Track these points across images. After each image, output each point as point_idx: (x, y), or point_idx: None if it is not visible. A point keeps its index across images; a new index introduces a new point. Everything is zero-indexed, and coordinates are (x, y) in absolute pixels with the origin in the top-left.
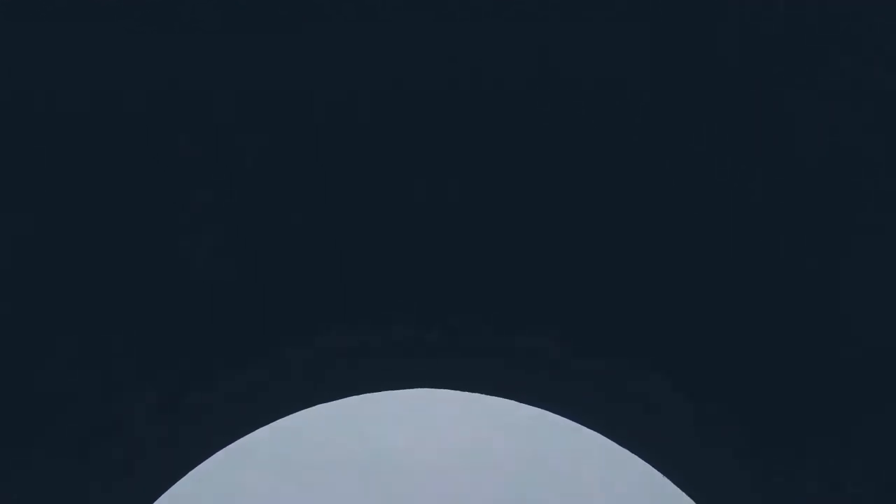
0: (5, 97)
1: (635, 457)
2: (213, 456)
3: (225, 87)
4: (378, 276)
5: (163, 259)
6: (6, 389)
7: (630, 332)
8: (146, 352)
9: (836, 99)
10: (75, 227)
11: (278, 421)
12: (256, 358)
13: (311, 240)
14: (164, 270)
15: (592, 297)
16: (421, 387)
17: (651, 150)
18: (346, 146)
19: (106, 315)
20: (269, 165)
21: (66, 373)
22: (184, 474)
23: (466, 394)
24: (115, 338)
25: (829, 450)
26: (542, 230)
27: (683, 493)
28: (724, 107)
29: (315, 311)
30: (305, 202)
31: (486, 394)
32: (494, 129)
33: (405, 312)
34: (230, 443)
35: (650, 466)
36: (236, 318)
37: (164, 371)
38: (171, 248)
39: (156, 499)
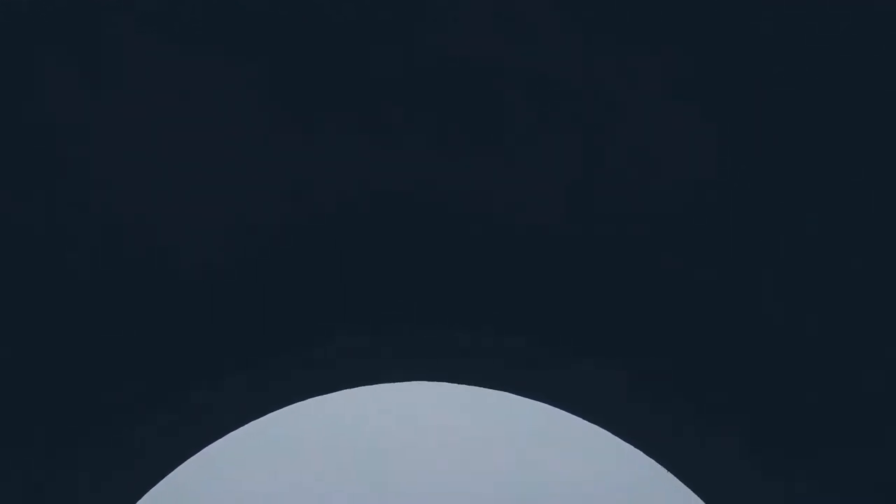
0: None
1: (637, 452)
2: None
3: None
4: (379, 277)
5: (165, 261)
6: (8, 386)
7: (631, 334)
8: (147, 350)
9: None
10: (80, 223)
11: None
12: (259, 358)
13: (313, 244)
14: (166, 273)
15: (592, 299)
16: (417, 380)
17: (649, 151)
18: (347, 146)
19: (106, 314)
20: (272, 168)
21: (69, 370)
22: (175, 467)
23: (462, 388)
24: (114, 337)
25: (830, 449)
26: (541, 236)
27: (683, 492)
28: (721, 110)
29: (316, 311)
30: (309, 210)
31: (485, 387)
32: (495, 132)
33: (406, 312)
34: (222, 437)
35: (651, 462)
36: (238, 320)
37: (166, 368)
38: (174, 250)
39: (146, 491)
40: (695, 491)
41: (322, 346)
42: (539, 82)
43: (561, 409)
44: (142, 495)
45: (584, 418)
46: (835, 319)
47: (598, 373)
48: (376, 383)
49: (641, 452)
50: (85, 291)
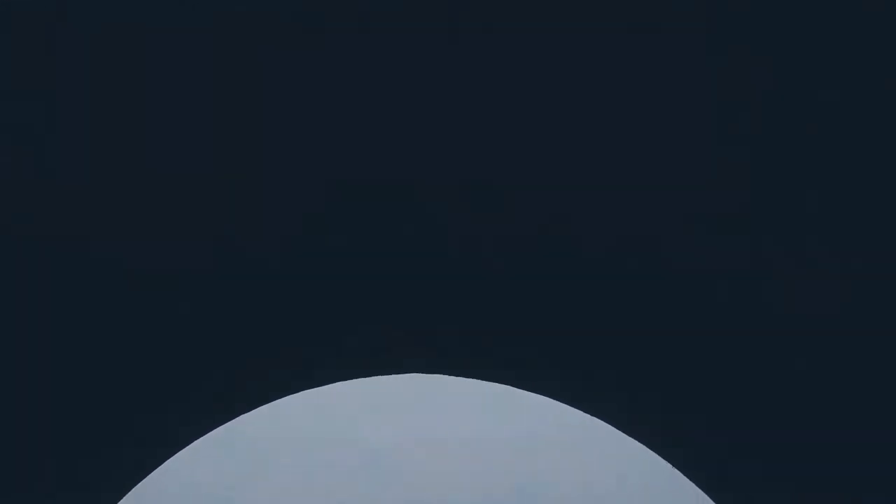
0: None
1: (642, 448)
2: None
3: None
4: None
5: (163, 263)
6: (22, 387)
7: (638, 338)
8: (164, 345)
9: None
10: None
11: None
12: (271, 356)
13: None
14: (167, 274)
15: (600, 309)
16: (418, 372)
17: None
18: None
19: (110, 320)
20: (279, 178)
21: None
22: (183, 446)
23: (465, 387)
24: (121, 342)
25: (837, 455)
26: (542, 249)
27: (688, 486)
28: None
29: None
30: (326, 230)
31: (488, 381)
32: (495, 144)
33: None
34: (227, 421)
35: (655, 457)
36: (242, 319)
37: (188, 359)
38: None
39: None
40: (704, 490)
41: (339, 340)
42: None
43: (569, 405)
44: (125, 493)
45: (597, 417)
46: (838, 323)
47: (604, 373)
48: (376, 375)
49: (650, 452)
50: (93, 294)
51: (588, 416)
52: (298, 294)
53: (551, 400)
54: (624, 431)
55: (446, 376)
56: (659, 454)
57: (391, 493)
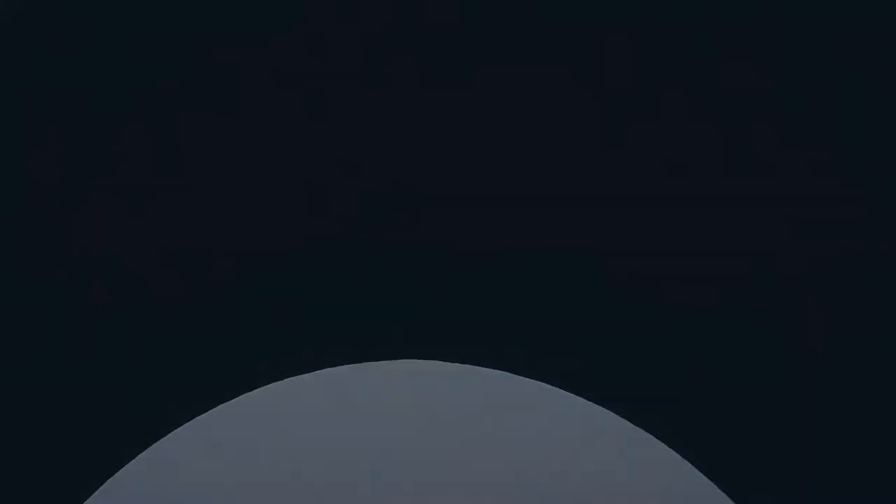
0: None
1: (643, 436)
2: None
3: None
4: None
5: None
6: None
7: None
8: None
9: None
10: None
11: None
12: (265, 341)
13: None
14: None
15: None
16: (411, 358)
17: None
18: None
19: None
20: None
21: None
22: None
23: (461, 370)
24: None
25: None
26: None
27: (693, 476)
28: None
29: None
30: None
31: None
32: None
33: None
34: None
35: (658, 444)
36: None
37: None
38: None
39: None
40: (717, 484)
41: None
42: None
43: (577, 395)
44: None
45: (597, 404)
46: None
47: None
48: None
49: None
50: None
51: (596, 407)
52: (295, 283)
53: (558, 391)
54: (634, 423)
55: (448, 369)
56: (670, 447)
57: (394, 489)
